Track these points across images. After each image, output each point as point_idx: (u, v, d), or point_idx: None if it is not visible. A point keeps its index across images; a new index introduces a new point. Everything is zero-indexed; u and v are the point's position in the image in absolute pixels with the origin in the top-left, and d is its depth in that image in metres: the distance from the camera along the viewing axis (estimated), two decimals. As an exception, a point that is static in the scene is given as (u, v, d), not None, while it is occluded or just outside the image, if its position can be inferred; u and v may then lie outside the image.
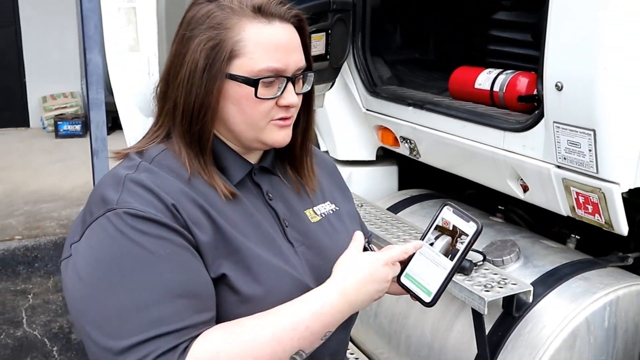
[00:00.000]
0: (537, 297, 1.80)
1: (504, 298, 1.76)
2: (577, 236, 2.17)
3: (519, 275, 1.89)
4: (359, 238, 1.15)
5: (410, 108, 2.35)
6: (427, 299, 1.09)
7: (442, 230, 1.12)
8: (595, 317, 1.74)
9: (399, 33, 2.88)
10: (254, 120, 1.09)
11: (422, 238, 1.14)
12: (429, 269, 1.10)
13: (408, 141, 2.44)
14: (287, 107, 1.09)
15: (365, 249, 1.14)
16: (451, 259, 1.09)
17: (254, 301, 1.03)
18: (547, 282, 1.85)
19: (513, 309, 1.79)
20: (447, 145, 2.20)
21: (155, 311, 0.93)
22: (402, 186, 2.85)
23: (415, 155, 2.45)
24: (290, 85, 1.09)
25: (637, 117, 1.57)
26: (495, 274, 1.83)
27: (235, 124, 1.10)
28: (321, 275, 1.12)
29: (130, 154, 1.09)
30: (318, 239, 1.17)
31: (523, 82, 1.99)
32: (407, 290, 1.14)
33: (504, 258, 1.95)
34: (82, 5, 3.91)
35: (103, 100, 4.00)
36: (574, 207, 1.77)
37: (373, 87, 2.60)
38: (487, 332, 1.80)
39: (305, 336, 1.00)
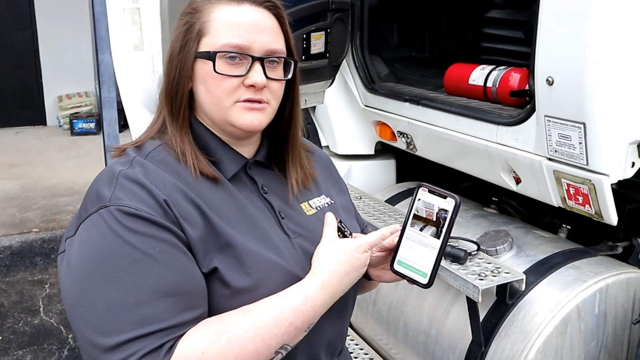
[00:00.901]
0: (530, 285, 1.77)
1: (498, 286, 1.73)
2: (568, 226, 2.14)
3: (512, 264, 1.86)
4: (331, 222, 1.11)
5: (407, 104, 2.32)
6: (424, 281, 1.06)
7: (425, 220, 1.07)
8: (585, 304, 1.70)
9: (396, 32, 2.84)
10: (218, 99, 1.05)
11: (405, 223, 1.09)
12: (419, 251, 1.07)
13: (405, 136, 2.41)
14: (253, 87, 1.04)
15: (339, 230, 1.11)
16: (438, 238, 1.05)
17: (244, 294, 0.99)
18: (539, 271, 1.82)
19: (506, 297, 1.76)
20: (442, 139, 2.17)
21: (143, 310, 0.90)
22: (399, 179, 2.82)
23: (412, 150, 2.42)
24: (257, 65, 1.04)
25: (626, 110, 1.54)
26: (489, 263, 1.80)
27: (206, 105, 1.07)
28: None
29: (127, 150, 1.07)
30: (314, 231, 1.13)
31: (515, 78, 1.96)
32: (402, 276, 1.10)
33: (497, 248, 1.92)
34: (93, 9, 3.88)
35: (115, 99, 3.98)
36: (564, 198, 1.74)
37: (371, 84, 2.57)
38: (481, 319, 1.77)
39: (288, 332, 0.97)
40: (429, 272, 1.05)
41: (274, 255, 1.04)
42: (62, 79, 7.79)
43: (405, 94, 2.35)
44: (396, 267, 1.10)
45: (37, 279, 4.03)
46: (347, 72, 2.65)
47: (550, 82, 1.59)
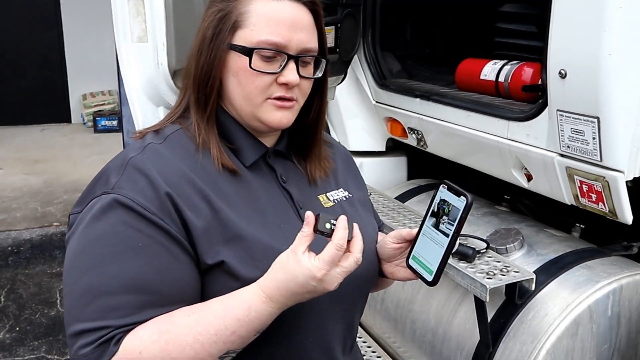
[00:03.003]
0: (540, 285, 1.68)
1: (507, 285, 1.64)
2: (581, 225, 2.04)
3: (522, 263, 1.77)
4: (308, 222, 0.90)
5: (418, 100, 2.24)
6: (429, 278, 1.01)
7: (440, 217, 1.03)
8: (597, 305, 1.61)
9: (408, 28, 2.75)
10: (250, 94, 1.01)
11: (424, 219, 1.05)
12: (430, 248, 1.03)
13: (415, 132, 2.33)
14: (286, 85, 1.00)
15: (317, 229, 0.91)
16: (447, 236, 1.00)
17: None
18: (550, 270, 1.73)
19: (515, 297, 1.67)
20: (452, 135, 2.08)
21: (110, 300, 0.88)
22: (410, 176, 2.74)
23: (422, 146, 2.33)
24: (292, 64, 1.00)
25: (643, 105, 1.44)
26: (498, 261, 1.71)
27: (235, 98, 1.03)
28: None
29: (147, 134, 1.04)
30: None
31: (528, 72, 1.87)
32: (414, 272, 1.06)
33: (507, 246, 1.83)
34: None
35: (133, 96, 3.95)
36: (577, 196, 1.64)
37: (382, 80, 2.49)
38: (489, 319, 1.68)
39: (231, 340, 0.90)
40: (434, 270, 1.01)
41: (284, 247, 0.98)
42: (87, 78, 7.82)
43: (416, 90, 2.27)
44: (411, 262, 1.06)
45: (55, 271, 4.02)
46: (359, 68, 2.57)
47: (563, 75, 1.50)
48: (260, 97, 1.01)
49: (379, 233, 1.23)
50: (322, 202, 1.12)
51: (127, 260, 0.90)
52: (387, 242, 1.13)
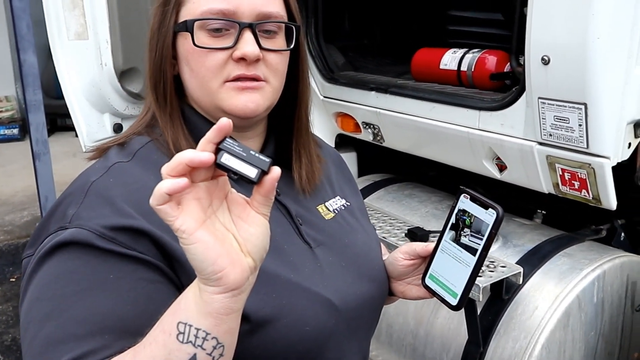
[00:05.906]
0: (524, 277, 1.62)
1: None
2: (543, 211, 2.02)
3: (501, 256, 1.70)
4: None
5: (373, 93, 2.12)
6: (453, 302, 0.90)
7: (463, 232, 0.90)
8: (585, 293, 1.57)
9: (351, 19, 2.63)
10: (204, 80, 0.83)
11: (442, 233, 0.93)
12: (452, 267, 0.90)
13: (371, 127, 2.21)
14: (244, 61, 0.81)
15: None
16: (474, 254, 0.87)
17: (265, 327, 0.78)
18: (531, 261, 1.67)
19: (502, 292, 1.60)
20: (415, 128, 1.98)
21: (79, 347, 0.68)
22: (361, 172, 2.62)
23: (379, 141, 2.22)
24: (247, 33, 0.81)
25: (626, 88, 1.40)
26: (482, 257, 1.63)
27: (192, 89, 0.86)
28: (344, 280, 0.90)
29: (110, 151, 0.85)
30: (337, 239, 0.94)
31: (492, 60, 1.80)
32: (432, 293, 0.94)
33: (484, 239, 1.76)
34: (12, 5, 3.41)
35: (41, 102, 3.55)
36: (558, 184, 1.59)
37: (330, 73, 2.35)
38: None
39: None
40: (459, 293, 0.89)
41: (293, 275, 0.83)
42: (-22, 84, 7.08)
43: (370, 83, 2.15)
44: (427, 281, 0.94)
45: (-35, 301, 3.55)
46: (303, 62, 2.41)
47: (546, 62, 1.43)
48: (216, 81, 0.83)
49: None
50: (323, 214, 0.97)
51: (95, 297, 0.71)
52: (398, 258, 1.00)
